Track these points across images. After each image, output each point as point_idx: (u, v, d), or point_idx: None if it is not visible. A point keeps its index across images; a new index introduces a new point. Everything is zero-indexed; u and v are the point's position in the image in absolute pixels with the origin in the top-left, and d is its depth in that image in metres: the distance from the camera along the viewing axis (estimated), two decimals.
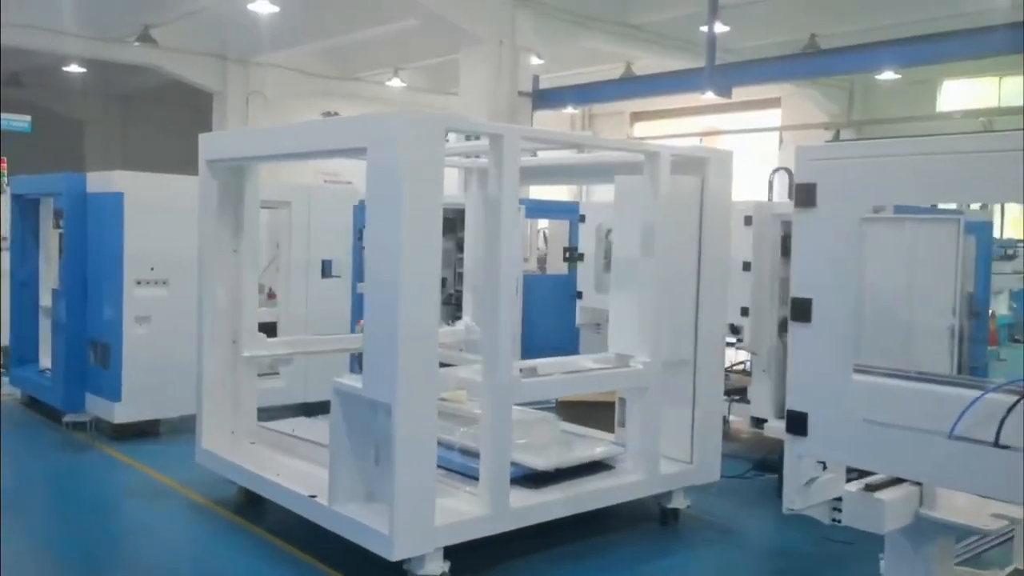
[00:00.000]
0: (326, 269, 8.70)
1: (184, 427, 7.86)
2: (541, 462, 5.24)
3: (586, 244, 8.74)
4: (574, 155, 6.65)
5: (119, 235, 7.52)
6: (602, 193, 16.72)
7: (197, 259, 6.16)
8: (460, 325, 7.43)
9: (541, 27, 14.20)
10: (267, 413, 7.55)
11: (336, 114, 21.95)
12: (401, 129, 4.38)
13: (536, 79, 14.31)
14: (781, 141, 22.64)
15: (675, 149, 5.73)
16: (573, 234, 10.58)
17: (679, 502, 5.81)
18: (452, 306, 10.78)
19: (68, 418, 7.36)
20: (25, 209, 9.15)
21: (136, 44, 17.09)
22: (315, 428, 6.16)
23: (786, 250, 7.37)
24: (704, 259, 5.81)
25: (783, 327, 7.41)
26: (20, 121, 13.92)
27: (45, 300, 9.22)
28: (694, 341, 5.82)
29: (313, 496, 5.19)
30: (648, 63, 17.38)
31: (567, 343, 10.01)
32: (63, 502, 6.31)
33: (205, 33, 18.99)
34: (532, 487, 5.18)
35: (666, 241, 5.55)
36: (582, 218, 8.80)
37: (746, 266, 7.08)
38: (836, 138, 20.08)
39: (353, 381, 4.81)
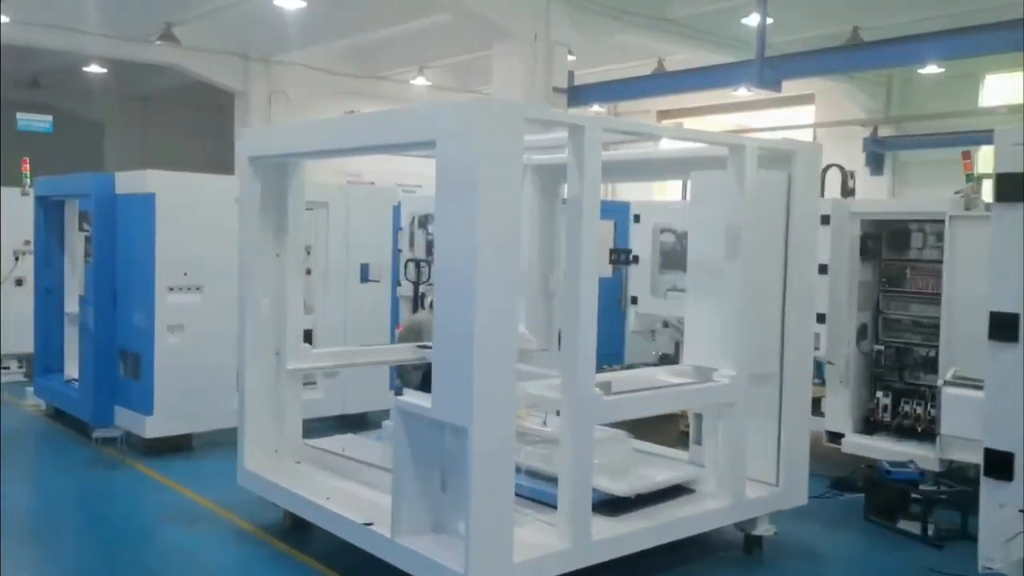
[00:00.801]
0: (365, 274, 8.24)
1: (218, 441, 7.46)
2: (622, 487, 4.76)
3: (640, 246, 8.24)
4: (640, 151, 6.18)
5: (151, 238, 7.09)
6: (637, 192, 16.23)
7: (238, 264, 5.72)
8: None
9: (577, 21, 13.69)
10: (304, 426, 7.14)
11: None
12: (477, 119, 3.91)
13: (571, 75, 13.79)
14: (815, 139, 22.10)
15: (761, 142, 5.24)
16: (620, 235, 10.09)
17: (764, 528, 5.31)
18: None
19: (98, 434, 6.94)
20: (50, 212, 8.75)
21: (158, 43, 16.67)
22: (366, 447, 5.71)
23: (865, 251, 6.87)
24: (791, 262, 5.31)
25: (862, 334, 6.91)
26: (41, 121, 13.57)
27: (71, 307, 8.82)
28: (780, 352, 5.33)
29: (369, 524, 4.74)
30: (679, 59, 16.85)
31: (613, 351, 9.54)
32: (95, 525, 5.87)
33: (227, 31, 18.58)
34: (611, 515, 4.71)
35: (752, 243, 5.06)
36: (636, 218, 8.31)
37: (822, 269, 6.57)
38: (874, 135, 19.51)
39: (418, 399, 4.34)
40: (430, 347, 6.39)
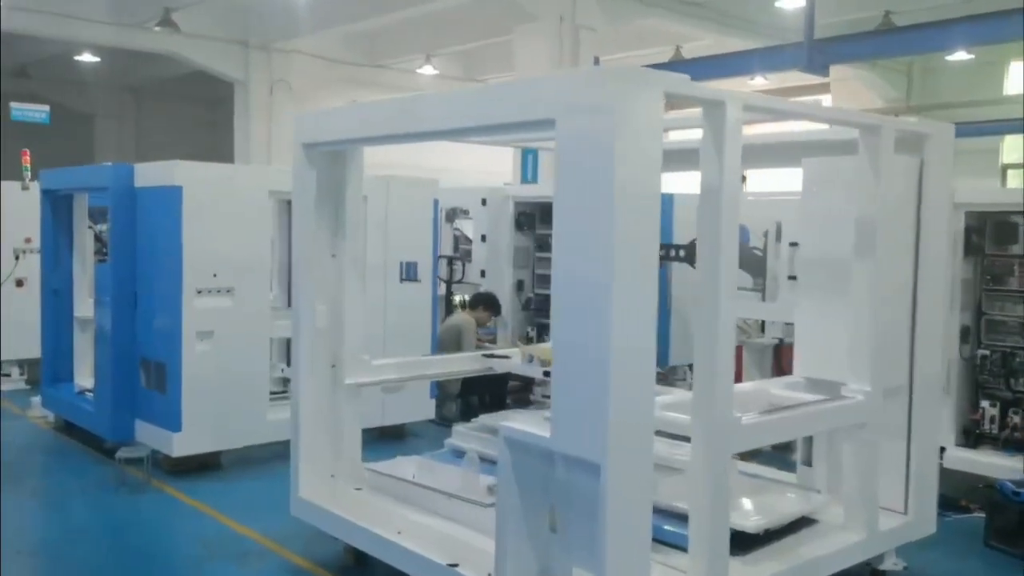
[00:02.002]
0: (412, 272, 7.58)
1: (249, 459, 6.81)
2: (750, 523, 4.14)
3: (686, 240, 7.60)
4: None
5: (177, 236, 6.40)
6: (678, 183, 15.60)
7: (292, 266, 5.05)
8: None
9: (603, 2, 13.04)
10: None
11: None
12: (609, 93, 3.25)
13: (597, 60, 13.14)
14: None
15: (896, 122, 4.61)
16: (665, 229, 9.46)
17: (892, 563, 4.70)
18: (530, 312, 9.68)
19: (122, 453, 6.25)
20: (57, 207, 8.03)
21: (156, 29, 15.89)
22: (436, 471, 5.06)
23: (969, 247, 6.27)
24: (922, 258, 4.70)
25: (964, 337, 6.31)
26: (37, 112, 12.78)
27: (80, 310, 8.13)
28: (909, 363, 4.72)
29: (454, 565, 4.11)
30: (702, 45, 16.24)
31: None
32: (132, 563, 5.16)
33: (227, 18, 17.86)
34: (739, 553, 4.08)
35: (884, 239, 4.43)
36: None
37: None
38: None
39: (531, 426, 3.69)
40: (499, 355, 5.80)
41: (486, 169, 16.11)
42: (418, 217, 7.69)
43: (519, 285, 9.52)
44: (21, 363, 9.97)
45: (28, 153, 9.78)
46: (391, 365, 5.33)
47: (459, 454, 5.50)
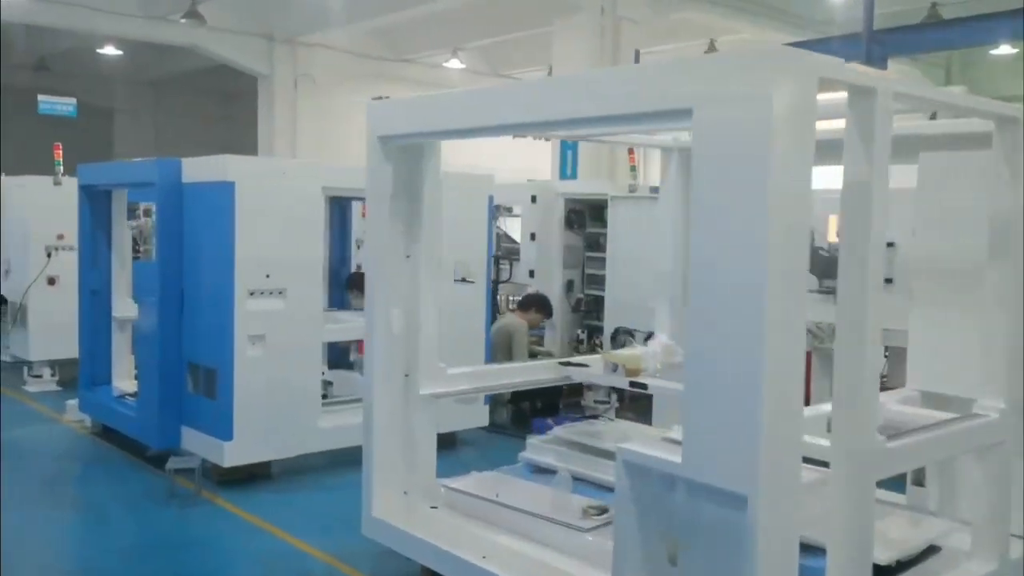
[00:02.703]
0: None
1: (299, 468, 6.48)
2: (883, 554, 3.76)
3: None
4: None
5: (229, 234, 6.05)
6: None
7: (365, 267, 4.70)
8: (654, 345, 5.92)
9: None
10: None
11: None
12: (761, 78, 2.89)
13: (637, 53, 12.77)
14: None
15: None
16: None
17: None
18: (580, 313, 9.31)
19: (173, 464, 5.91)
20: (96, 203, 7.69)
21: (182, 21, 15.56)
22: (520, 489, 4.70)
23: None
24: None
25: None
26: (65, 104, 12.49)
27: (119, 311, 7.80)
28: None
29: None
30: (736, 39, 15.86)
31: None
32: None
33: (252, 11, 17.54)
34: None
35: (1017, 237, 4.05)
36: None
37: None
38: (932, 119, 18.52)
39: (653, 449, 3.33)
40: (576, 364, 5.44)
41: (511, 166, 15.74)
42: (473, 214, 7.34)
43: (569, 286, 9.17)
44: (52, 364, 9.66)
45: (60, 147, 9.46)
46: (466, 374, 4.97)
47: (535, 469, 5.16)
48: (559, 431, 5.37)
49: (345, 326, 7.07)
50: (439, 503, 4.73)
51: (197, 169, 6.39)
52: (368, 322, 4.65)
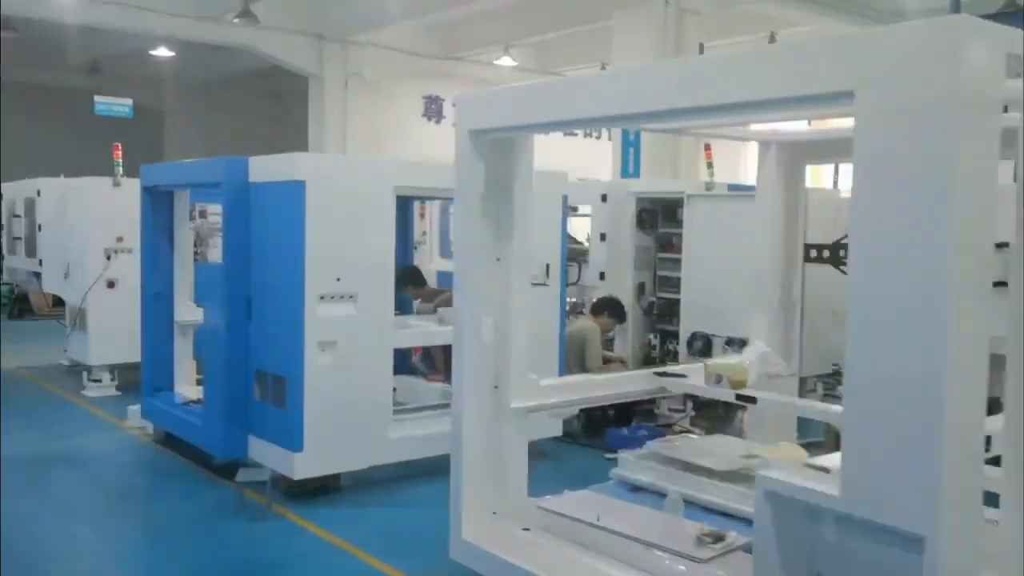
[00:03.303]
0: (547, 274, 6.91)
1: (368, 480, 6.20)
2: None
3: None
4: None
5: (299, 236, 5.78)
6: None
7: (455, 271, 4.38)
8: (749, 353, 5.52)
9: None
10: (439, 461, 5.82)
11: (439, 98, 20.35)
12: (940, 54, 2.51)
13: (701, 47, 12.35)
14: None
15: None
16: None
17: None
18: (652, 317, 8.93)
19: (243, 477, 5.66)
20: (158, 204, 7.49)
21: (235, 21, 15.45)
22: (622, 512, 4.36)
23: None
24: None
25: None
26: (121, 106, 12.40)
27: (181, 315, 7.59)
28: None
29: None
30: (798, 32, 15.33)
31: None
32: None
33: (302, 10, 17.38)
34: None
35: None
36: None
37: None
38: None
39: (800, 478, 2.96)
40: (673, 374, 5.08)
41: (559, 163, 15.36)
42: (547, 213, 6.99)
43: (640, 288, 8.78)
44: (111, 368, 9.51)
45: (120, 147, 9.31)
46: (558, 386, 4.64)
47: (631, 487, 4.82)
48: (654, 446, 5.02)
49: (415, 331, 6.78)
50: (532, 525, 4.40)
51: (265, 168, 6.13)
52: (456, 329, 4.34)
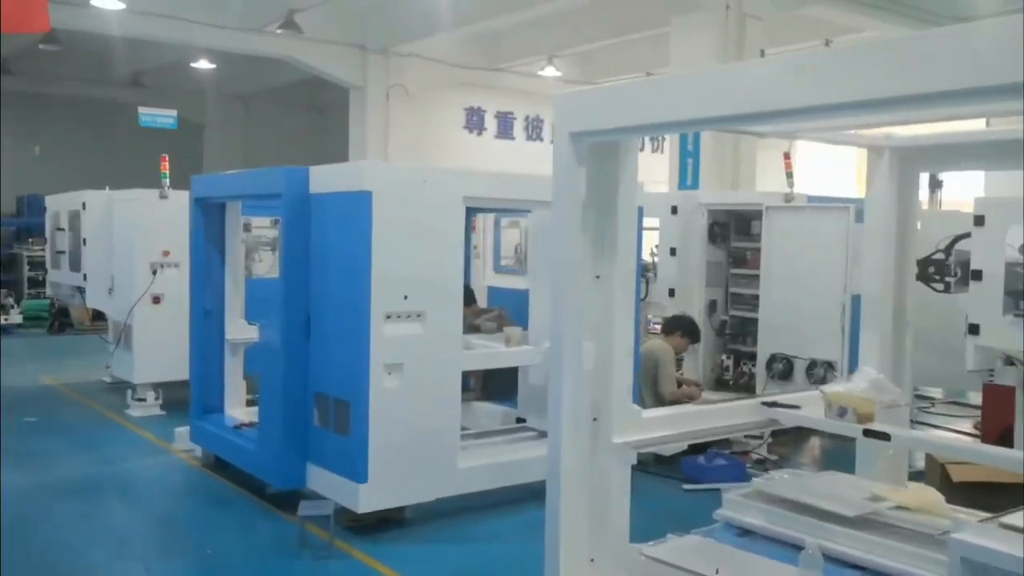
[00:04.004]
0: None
1: (434, 513, 5.78)
2: None
3: (982, 257, 6.27)
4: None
5: (365, 250, 5.38)
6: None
7: (551, 289, 3.93)
8: (859, 379, 5.01)
9: None
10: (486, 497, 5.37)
11: (481, 110, 20.00)
12: None
13: (762, 53, 11.87)
14: None
15: None
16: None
17: None
18: (725, 337, 8.43)
19: (305, 511, 5.25)
20: (209, 217, 7.14)
21: (279, 32, 15.23)
22: (743, 563, 3.87)
23: None
24: None
25: None
26: (166, 117, 12.15)
27: (232, 333, 7.23)
28: None
29: None
30: (857, 38, 14.79)
31: None
32: None
33: (345, 21, 17.14)
34: None
35: None
36: (978, 219, 6.33)
37: None
38: None
39: (1003, 544, 2.48)
40: (784, 405, 4.60)
41: None
42: None
43: (711, 306, 8.29)
44: (156, 387, 9.18)
45: (167, 159, 9.02)
46: (663, 418, 4.16)
47: (740, 531, 4.33)
48: (759, 484, 4.52)
49: (483, 353, 6.36)
50: (636, 575, 3.93)
51: (328, 178, 5.75)
52: (553, 355, 3.89)
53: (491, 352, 6.36)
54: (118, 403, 9.30)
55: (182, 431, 7.58)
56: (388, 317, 5.48)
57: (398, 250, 5.47)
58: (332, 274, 5.70)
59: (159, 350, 8.92)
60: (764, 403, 4.52)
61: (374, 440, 5.43)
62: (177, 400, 9.03)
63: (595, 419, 3.96)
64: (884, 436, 3.98)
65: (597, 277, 3.93)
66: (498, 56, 19.23)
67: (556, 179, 3.86)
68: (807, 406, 4.45)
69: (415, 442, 5.59)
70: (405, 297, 5.53)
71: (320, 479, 5.81)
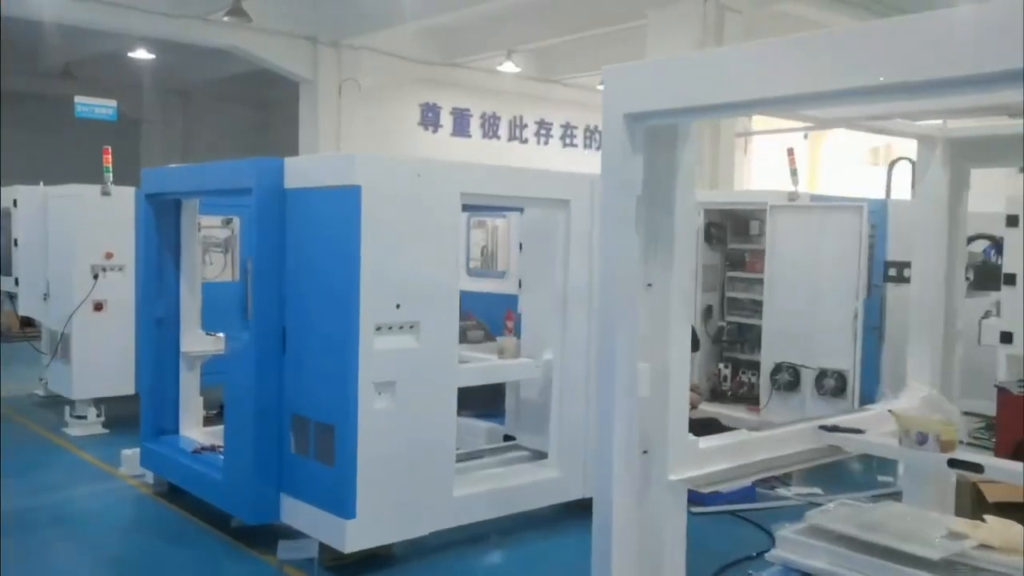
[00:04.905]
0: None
1: (423, 546, 5.14)
2: None
3: (1015, 259, 5.86)
4: None
5: (353, 254, 4.71)
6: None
7: (602, 300, 3.33)
8: (910, 396, 4.52)
9: None
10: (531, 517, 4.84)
11: (436, 106, 19.26)
12: None
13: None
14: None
15: None
16: (879, 243, 7.73)
17: None
18: (721, 344, 7.93)
19: (285, 555, 4.53)
20: (163, 215, 6.37)
21: (225, 19, 14.33)
22: None
23: None
24: None
25: None
26: (104, 107, 11.23)
27: (188, 344, 6.47)
28: None
29: None
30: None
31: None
32: None
33: (295, 11, 16.33)
34: None
35: None
36: (1011, 220, 5.92)
37: None
38: None
39: None
40: (846, 429, 4.08)
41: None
42: None
43: (707, 312, 7.79)
44: (98, 402, 8.31)
45: (110, 151, 8.18)
46: (718, 449, 3.58)
47: (798, 574, 3.78)
48: (815, 519, 3.98)
49: (480, 367, 5.73)
50: None
51: (306, 170, 5.06)
52: (603, 378, 3.29)
53: (489, 367, 5.74)
54: (54, 420, 8.41)
55: (130, 454, 6.78)
56: (378, 329, 4.82)
57: (390, 253, 4.82)
58: (312, 280, 5.00)
59: (101, 362, 8.09)
60: (822, 427, 3.99)
61: (363, 470, 4.76)
62: (121, 417, 8.20)
63: (645, 451, 3.37)
64: (976, 468, 3.47)
65: (649, 285, 3.34)
66: (455, 51, 18.56)
67: (607, 170, 3.27)
68: (869, 428, 3.94)
69: (407, 470, 4.94)
70: (397, 306, 4.87)
71: (297, 513, 5.11)
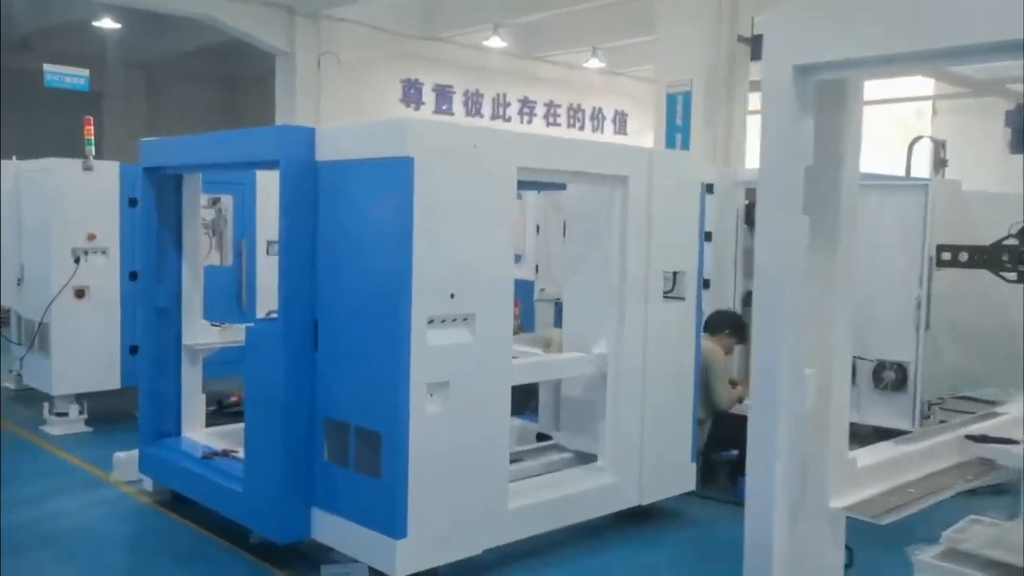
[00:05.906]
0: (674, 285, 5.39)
1: (472, 565, 4.55)
2: None
3: None
4: None
5: (404, 236, 4.08)
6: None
7: (755, 293, 2.76)
8: (1014, 409, 4.01)
9: None
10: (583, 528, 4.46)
11: (419, 82, 18.49)
12: None
13: (753, 21, 10.92)
14: (935, 112, 19.61)
15: None
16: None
17: None
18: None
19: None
20: (163, 192, 5.66)
21: None
22: None
23: None
24: None
25: None
26: (76, 77, 10.37)
27: (191, 337, 5.79)
28: None
29: None
30: None
31: None
32: None
33: None
34: None
35: None
36: None
37: None
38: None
39: None
40: (995, 439, 3.57)
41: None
42: (682, 207, 5.45)
43: (747, 299, 7.27)
44: (79, 398, 7.58)
45: (92, 122, 7.41)
46: (874, 468, 3.03)
47: None
48: (952, 541, 3.48)
49: (533, 363, 5.10)
50: None
51: (344, 141, 4.40)
52: (760, 388, 2.72)
53: (542, 362, 5.14)
54: (31, 417, 7.67)
55: (124, 457, 6.08)
56: (431, 322, 4.21)
57: (445, 236, 4.20)
58: (353, 268, 4.36)
59: (84, 355, 7.37)
60: (968, 437, 3.47)
61: (415, 483, 4.16)
62: (105, 412, 7.51)
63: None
64: None
65: (812, 274, 2.78)
66: (439, 24, 17.82)
67: (768, 134, 2.69)
68: (1013, 435, 3.44)
69: (461, 482, 4.35)
70: (452, 296, 4.26)
71: (331, 530, 4.49)
